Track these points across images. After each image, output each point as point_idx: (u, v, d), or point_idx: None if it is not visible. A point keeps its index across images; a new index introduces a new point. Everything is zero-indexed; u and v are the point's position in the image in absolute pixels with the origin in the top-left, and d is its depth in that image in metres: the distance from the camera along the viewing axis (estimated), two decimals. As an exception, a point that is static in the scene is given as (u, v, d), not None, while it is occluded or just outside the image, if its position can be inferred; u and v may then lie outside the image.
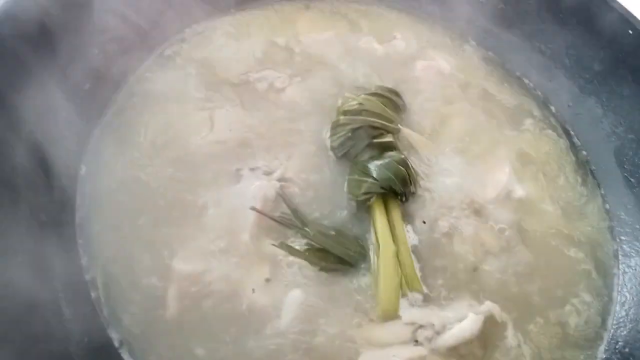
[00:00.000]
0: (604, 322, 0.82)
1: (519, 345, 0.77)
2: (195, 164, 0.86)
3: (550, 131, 1.01)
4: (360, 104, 0.92)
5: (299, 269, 0.78)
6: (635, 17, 0.91)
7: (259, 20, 1.10)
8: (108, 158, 0.86)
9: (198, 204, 0.82)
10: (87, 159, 0.85)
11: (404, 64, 1.07)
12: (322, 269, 0.77)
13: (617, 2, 0.93)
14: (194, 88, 0.96)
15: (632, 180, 0.90)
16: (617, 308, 0.83)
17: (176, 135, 0.89)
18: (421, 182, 0.88)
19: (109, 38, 0.92)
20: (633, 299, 0.83)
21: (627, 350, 0.78)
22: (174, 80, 0.97)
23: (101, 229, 0.80)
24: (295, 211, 0.81)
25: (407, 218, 0.84)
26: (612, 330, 0.81)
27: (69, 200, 0.80)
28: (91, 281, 0.74)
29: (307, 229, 0.79)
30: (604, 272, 0.86)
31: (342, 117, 0.91)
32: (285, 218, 0.81)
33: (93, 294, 0.73)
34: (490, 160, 0.93)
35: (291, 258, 0.78)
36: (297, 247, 0.78)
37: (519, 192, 0.89)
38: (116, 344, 0.70)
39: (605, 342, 0.80)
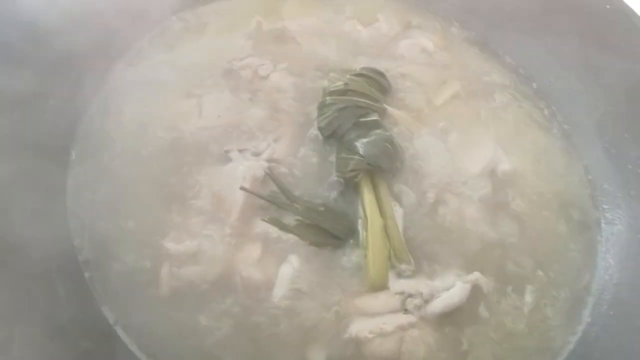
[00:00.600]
0: (588, 287, 0.84)
1: (506, 312, 0.79)
2: (184, 148, 0.88)
3: (533, 107, 1.03)
4: (345, 84, 0.93)
5: (289, 245, 0.79)
6: (612, -9, 0.93)
7: (244, 7, 1.11)
8: (97, 144, 0.87)
9: (188, 186, 0.84)
10: (76, 145, 0.86)
11: (388, 45, 1.08)
12: (311, 243, 0.79)
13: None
14: (181, 76, 0.97)
15: (612, 151, 0.93)
16: (601, 273, 0.85)
17: (165, 121, 0.90)
18: (407, 159, 0.90)
19: (96, 27, 0.92)
20: (616, 264, 0.85)
21: (611, 313, 0.80)
22: (160, 68, 0.98)
23: (93, 213, 0.81)
24: (284, 189, 0.82)
25: (394, 193, 0.85)
26: (596, 295, 0.83)
27: (60, 186, 0.81)
28: (84, 262, 0.75)
29: (296, 205, 0.81)
30: (588, 240, 0.88)
31: (328, 98, 0.92)
32: (274, 196, 0.82)
33: (87, 274, 0.74)
34: (475, 136, 0.95)
35: (282, 235, 0.80)
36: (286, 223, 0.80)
37: (504, 166, 0.91)
38: (110, 321, 0.71)
39: (590, 306, 0.82)
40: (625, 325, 0.77)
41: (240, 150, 0.88)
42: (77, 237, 0.78)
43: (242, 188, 0.81)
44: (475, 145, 0.94)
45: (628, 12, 0.92)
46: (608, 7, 0.94)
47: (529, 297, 0.80)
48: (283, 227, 0.79)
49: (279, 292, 0.76)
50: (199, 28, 1.05)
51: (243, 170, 0.84)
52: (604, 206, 0.91)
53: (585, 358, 0.76)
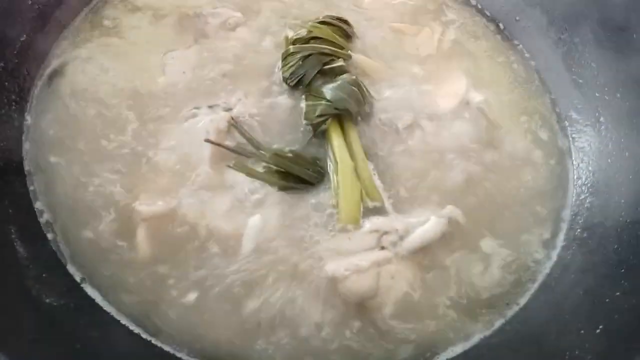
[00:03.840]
0: (562, 214, 0.85)
1: (480, 245, 0.79)
2: (150, 107, 0.85)
3: (501, 46, 1.02)
4: (309, 31, 0.91)
5: (260, 194, 0.78)
6: None
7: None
8: (55, 107, 0.83)
9: (155, 145, 0.81)
10: (32, 109, 0.83)
11: (353, -4, 1.06)
12: (281, 188, 0.77)
13: None
14: (147, 30, 0.93)
15: (580, 81, 0.93)
16: (574, 199, 0.85)
17: (130, 79, 0.87)
18: (376, 102, 0.88)
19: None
20: (587, 190, 0.86)
21: (584, 235, 0.81)
22: (125, 22, 0.94)
23: (55, 177, 0.78)
24: (249, 138, 0.80)
25: (364, 135, 0.84)
26: (571, 217, 0.84)
27: (16, 149, 0.78)
28: (45, 224, 0.73)
29: (262, 152, 0.79)
30: (561, 168, 0.89)
31: (291, 47, 0.90)
32: (240, 147, 0.80)
33: (49, 235, 0.72)
34: (445, 74, 0.95)
35: (252, 184, 0.78)
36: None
37: (477, 98, 0.90)
38: (77, 279, 0.69)
39: (564, 231, 0.83)
40: (598, 247, 0.77)
41: (210, 107, 0.86)
42: (38, 199, 0.75)
43: (207, 140, 0.79)
44: (446, 82, 0.93)
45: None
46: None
47: (503, 228, 0.80)
48: (250, 172, 0.77)
49: (251, 240, 0.74)
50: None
51: (206, 123, 0.82)
52: (574, 135, 0.92)
53: (560, 280, 0.76)
